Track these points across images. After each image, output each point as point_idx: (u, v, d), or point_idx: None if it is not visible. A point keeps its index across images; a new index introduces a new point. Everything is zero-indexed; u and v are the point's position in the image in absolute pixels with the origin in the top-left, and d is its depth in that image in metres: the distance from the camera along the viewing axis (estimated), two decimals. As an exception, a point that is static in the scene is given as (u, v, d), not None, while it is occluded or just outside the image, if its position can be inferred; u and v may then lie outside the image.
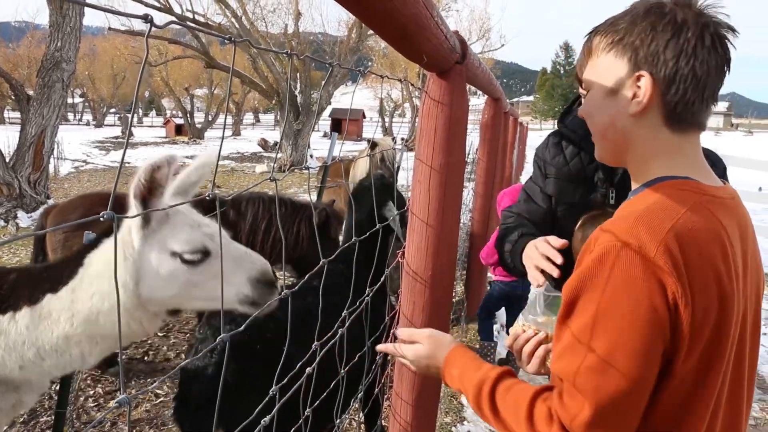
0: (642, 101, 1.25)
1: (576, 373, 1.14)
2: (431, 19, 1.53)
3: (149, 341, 5.67)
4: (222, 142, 1.23)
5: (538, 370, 1.64)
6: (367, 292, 1.94)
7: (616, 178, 2.28)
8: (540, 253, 1.89)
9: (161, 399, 4.59)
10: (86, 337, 1.81)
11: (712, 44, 1.22)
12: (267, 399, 1.27)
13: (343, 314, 1.74)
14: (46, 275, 1.88)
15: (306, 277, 1.69)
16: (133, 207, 1.65)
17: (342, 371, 1.81)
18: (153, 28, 0.81)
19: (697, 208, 1.20)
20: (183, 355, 5.34)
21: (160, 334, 5.85)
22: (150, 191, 1.62)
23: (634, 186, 1.36)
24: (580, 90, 2.06)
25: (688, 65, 1.21)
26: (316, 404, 1.59)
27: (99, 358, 1.89)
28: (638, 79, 1.25)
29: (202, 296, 1.81)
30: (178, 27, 22.47)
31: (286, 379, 1.37)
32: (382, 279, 2.14)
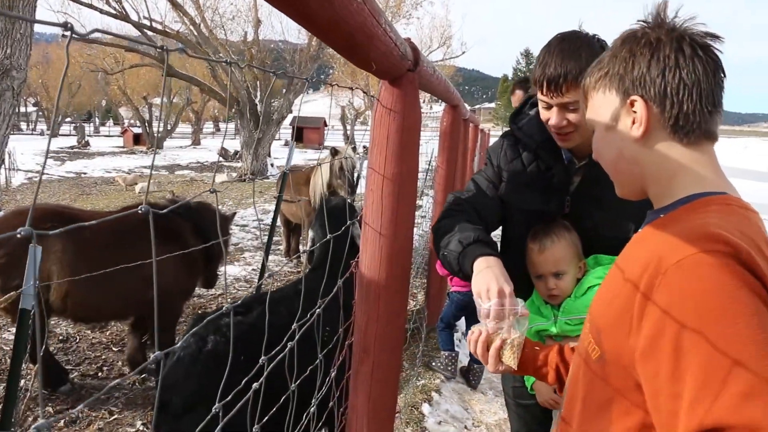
0: (641, 123, 1.27)
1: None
2: (379, 27, 1.50)
3: (103, 357, 5.54)
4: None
5: (496, 367, 1.69)
6: (318, 303, 1.90)
7: (572, 187, 2.23)
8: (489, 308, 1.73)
9: (115, 417, 4.47)
10: None
11: (693, 52, 1.23)
12: (209, 417, 1.22)
13: (292, 327, 1.70)
14: None
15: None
16: None
17: (292, 386, 1.77)
18: (73, 37, 0.77)
19: (747, 222, 1.16)
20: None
21: (114, 348, 5.72)
22: None
23: (657, 206, 1.33)
24: (550, 125, 2.12)
25: (675, 77, 1.23)
26: (264, 421, 1.54)
27: None
28: (632, 105, 1.28)
29: None
30: (135, 34, 22.16)
31: (230, 396, 1.32)
32: (334, 290, 2.11)
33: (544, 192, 2.27)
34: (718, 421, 0.95)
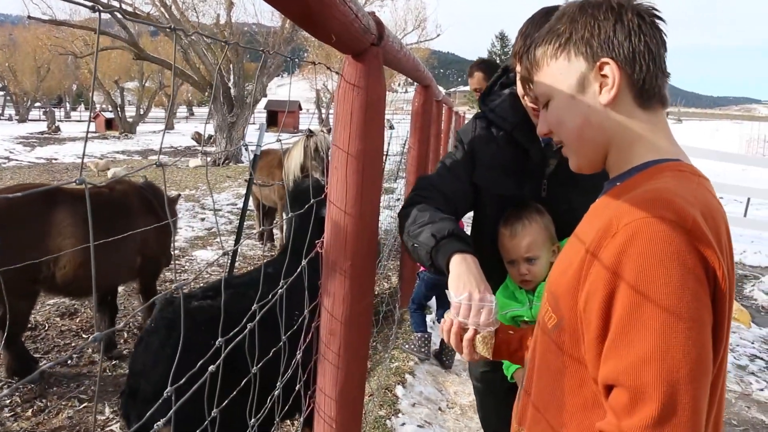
0: (612, 87, 1.25)
1: (631, 371, 1.04)
2: (335, -5, 1.45)
3: (72, 344, 5.46)
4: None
5: (471, 356, 1.68)
6: (281, 284, 1.85)
7: (548, 170, 2.17)
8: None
9: (85, 404, 4.41)
10: None
11: (652, 22, 1.26)
12: (162, 400, 1.17)
13: (253, 308, 1.65)
14: None
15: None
16: None
17: (254, 368, 1.72)
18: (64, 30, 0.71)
19: (701, 188, 1.18)
20: (106, 358, 5.14)
21: (85, 336, 5.63)
22: None
23: (613, 174, 1.34)
24: (527, 102, 2.10)
25: (640, 42, 1.24)
26: (224, 404, 1.49)
27: None
28: (601, 68, 1.26)
29: None
30: (106, 17, 21.82)
31: (183, 380, 1.27)
32: (298, 270, 2.06)
33: (520, 176, 2.19)
34: (614, 379, 1.07)
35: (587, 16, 1.28)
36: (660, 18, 1.28)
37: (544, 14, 1.96)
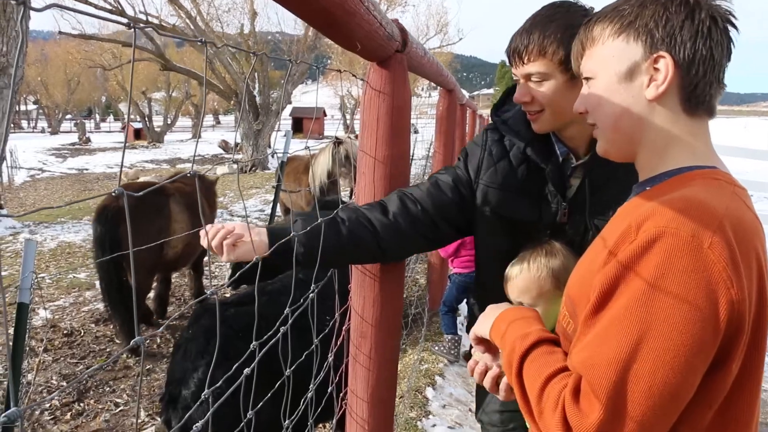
0: (662, 84, 1.19)
1: (594, 367, 1.03)
2: (360, 5, 1.48)
3: (108, 349, 5.56)
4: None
5: (509, 396, 1.54)
6: (312, 288, 1.89)
7: (569, 191, 1.88)
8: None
9: (121, 408, 4.49)
10: None
11: (724, 28, 1.20)
12: (200, 402, 1.21)
13: (285, 311, 1.70)
14: None
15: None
16: None
17: (287, 371, 1.76)
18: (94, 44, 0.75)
19: (735, 200, 1.13)
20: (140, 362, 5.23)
21: (118, 341, 5.73)
22: None
23: (644, 177, 1.28)
24: (519, 97, 1.83)
25: (705, 46, 1.17)
26: (259, 406, 1.53)
27: None
28: (656, 60, 1.19)
29: None
30: (131, 31, 22.11)
31: (220, 382, 1.31)
32: (328, 275, 2.10)
33: (536, 198, 1.92)
34: (578, 368, 1.07)
35: (658, 3, 1.20)
36: (734, 26, 1.21)
37: (540, 9, 1.83)
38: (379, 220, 1.97)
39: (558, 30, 1.68)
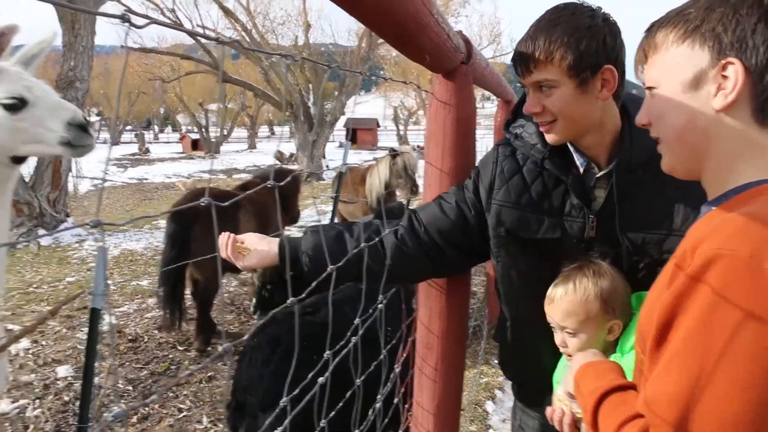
0: (730, 93, 1.08)
1: (656, 404, 0.97)
2: (431, 17, 1.50)
3: (171, 356, 5.69)
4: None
5: None
6: (379, 299, 1.91)
7: (595, 204, 1.75)
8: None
9: (184, 414, 4.59)
10: None
11: None
12: (278, 410, 1.24)
13: (355, 322, 1.71)
14: None
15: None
16: None
17: (358, 380, 1.78)
18: (154, 57, 0.79)
19: None
20: (204, 370, 5.34)
21: (180, 348, 5.86)
22: None
23: (711, 195, 1.18)
24: (529, 108, 1.71)
25: None
26: (331, 415, 1.55)
27: None
28: (725, 67, 1.09)
29: (29, 140, 2.21)
30: (190, 43, 22.70)
31: (297, 390, 1.34)
32: (396, 287, 2.11)
33: (556, 215, 1.79)
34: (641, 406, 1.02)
35: (727, 5, 1.10)
36: None
37: (544, 14, 1.70)
38: (389, 240, 1.95)
39: (564, 34, 1.58)
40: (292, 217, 7.53)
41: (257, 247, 1.93)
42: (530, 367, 1.99)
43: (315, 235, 1.95)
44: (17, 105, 2.12)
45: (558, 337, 1.70)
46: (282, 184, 1.19)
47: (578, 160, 1.76)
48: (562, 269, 1.70)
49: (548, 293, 1.70)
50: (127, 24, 0.70)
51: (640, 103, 1.63)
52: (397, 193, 7.54)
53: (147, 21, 0.78)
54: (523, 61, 1.67)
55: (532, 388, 2.05)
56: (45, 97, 2.18)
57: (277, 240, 1.96)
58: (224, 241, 1.94)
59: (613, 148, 1.71)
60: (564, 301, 1.65)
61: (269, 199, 6.50)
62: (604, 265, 1.67)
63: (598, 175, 1.74)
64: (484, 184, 1.91)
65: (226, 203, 1.10)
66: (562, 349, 1.70)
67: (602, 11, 1.65)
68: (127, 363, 5.48)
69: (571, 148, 1.76)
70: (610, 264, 1.68)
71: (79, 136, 2.21)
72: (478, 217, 1.92)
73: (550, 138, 1.72)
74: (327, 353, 1.46)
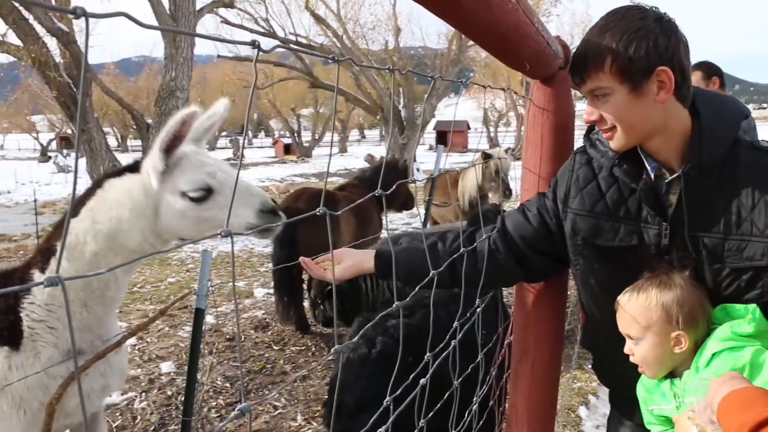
0: None
1: None
2: (531, 26, 1.52)
3: (266, 355, 5.86)
4: (330, 159, 1.27)
5: None
6: (476, 303, 1.93)
7: (669, 211, 1.68)
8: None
9: (279, 411, 4.73)
10: (109, 251, 2.13)
11: None
12: (381, 410, 1.28)
13: (454, 325, 1.75)
14: (70, 207, 2.16)
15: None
16: (156, 157, 1.98)
17: (455, 382, 1.81)
18: (260, 53, 0.85)
19: None
20: (298, 369, 5.48)
21: (275, 347, 6.03)
22: (173, 143, 1.93)
23: None
24: (588, 116, 1.70)
25: None
26: (430, 416, 1.59)
27: (128, 273, 2.32)
28: None
29: (213, 227, 2.13)
30: (282, 50, 23.29)
31: (400, 390, 1.38)
32: (492, 292, 2.13)
33: (632, 222, 1.75)
34: None
35: None
36: None
37: (599, 20, 1.65)
38: (483, 246, 1.96)
39: (612, 39, 1.55)
40: (401, 204, 7.55)
41: (351, 260, 2.02)
42: (617, 374, 1.95)
43: (411, 246, 2.01)
44: (204, 196, 2.06)
45: (627, 345, 1.67)
46: (387, 192, 1.24)
47: (648, 165, 1.71)
48: (640, 278, 1.67)
49: (617, 299, 1.69)
50: (256, 49, 0.76)
51: (712, 101, 1.58)
52: (490, 196, 7.51)
53: (274, 45, 0.84)
54: (576, 71, 1.66)
55: (623, 396, 2.01)
56: (229, 182, 2.10)
57: (373, 252, 2.03)
58: (306, 264, 2.03)
59: (685, 150, 1.64)
60: (627, 307, 1.64)
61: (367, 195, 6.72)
62: (677, 276, 1.62)
63: (667, 180, 1.69)
64: (560, 192, 1.90)
65: (338, 212, 1.15)
66: (631, 358, 1.66)
67: (655, 10, 1.60)
68: (225, 361, 5.69)
69: (642, 154, 1.72)
70: (689, 275, 1.63)
71: (269, 220, 2.12)
72: (558, 225, 1.91)
73: (613, 144, 1.69)
74: (428, 355, 1.50)
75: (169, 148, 1.96)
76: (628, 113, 1.60)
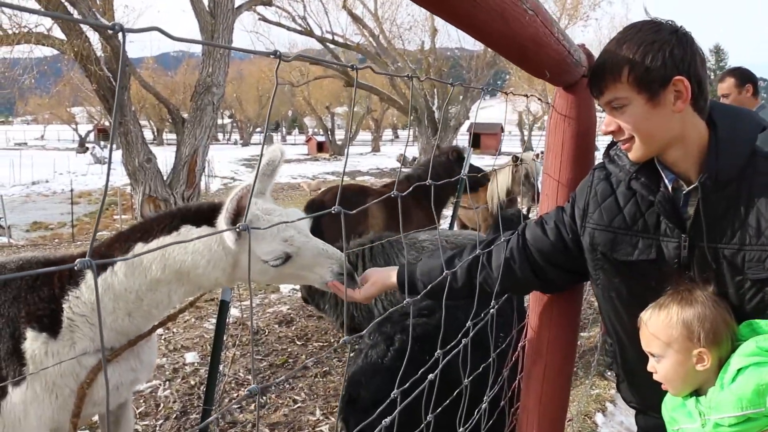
0: None
1: None
2: (551, 36, 1.56)
3: (288, 349, 5.95)
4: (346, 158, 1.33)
5: None
6: (491, 304, 1.98)
7: (687, 223, 1.67)
8: None
9: (298, 405, 4.80)
10: (175, 281, 2.24)
11: None
12: (388, 401, 1.33)
13: (467, 325, 1.79)
14: (138, 228, 2.32)
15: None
16: (226, 234, 2.03)
17: (465, 381, 1.85)
18: (282, 63, 0.91)
19: None
20: (319, 363, 5.55)
21: (299, 342, 6.11)
22: (238, 213, 1.98)
23: None
24: (605, 128, 1.73)
25: None
26: (438, 411, 1.64)
27: (182, 299, 2.36)
28: None
29: (291, 281, 2.37)
30: (319, 48, 23.43)
31: (408, 384, 1.43)
32: (506, 294, 2.17)
33: (651, 236, 1.75)
34: None
35: None
36: None
37: (622, 31, 1.68)
38: (500, 256, 2.00)
39: (629, 51, 1.58)
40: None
41: (375, 277, 2.18)
42: (643, 395, 1.96)
43: (429, 260, 2.11)
44: (283, 262, 2.10)
45: (650, 362, 1.67)
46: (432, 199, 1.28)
47: (666, 177, 1.72)
48: (663, 294, 1.67)
49: (640, 316, 1.69)
50: (278, 59, 0.81)
51: (730, 113, 1.60)
52: (518, 200, 7.51)
53: (294, 55, 0.90)
54: (594, 83, 1.69)
55: (648, 418, 2.01)
56: (308, 245, 2.14)
57: (396, 268, 2.16)
58: (336, 287, 2.16)
59: (702, 161, 1.64)
60: (649, 324, 1.63)
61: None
62: (699, 291, 1.61)
63: (684, 191, 1.69)
64: (579, 207, 1.91)
65: (354, 211, 1.20)
66: (654, 376, 1.66)
67: (671, 24, 1.63)
68: (248, 354, 5.78)
69: (659, 166, 1.73)
70: (711, 290, 1.62)
71: (348, 281, 2.11)
72: (575, 240, 1.93)
73: (631, 155, 1.71)
74: (438, 352, 1.55)
75: (235, 221, 2.00)
76: (645, 123, 1.61)
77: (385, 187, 7.29)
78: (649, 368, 1.66)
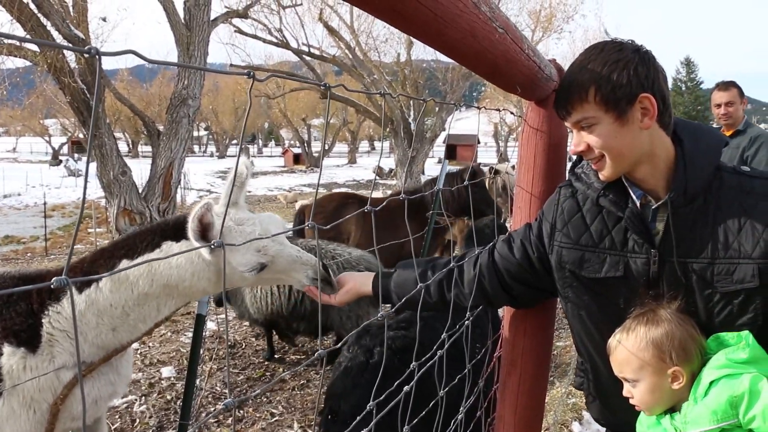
0: None
1: None
2: (521, 53, 1.59)
3: (266, 363, 5.92)
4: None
5: None
6: (467, 315, 2.00)
7: (656, 239, 1.69)
8: None
9: (276, 418, 4.78)
10: (164, 294, 2.27)
11: None
12: (364, 413, 1.35)
13: (442, 336, 1.81)
14: (121, 244, 2.31)
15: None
16: (198, 250, 2.07)
17: (441, 392, 1.87)
18: (273, 76, 0.92)
19: None
20: (297, 376, 5.53)
21: (276, 355, 6.09)
22: (205, 229, 2.00)
23: None
24: (575, 148, 1.72)
25: None
26: (414, 422, 1.65)
27: (172, 310, 2.37)
28: None
29: (274, 282, 2.41)
30: (295, 60, 23.43)
31: (383, 396, 1.45)
32: (481, 305, 2.19)
33: (617, 253, 1.76)
34: None
35: None
36: None
37: (584, 53, 1.69)
38: (470, 272, 2.03)
39: (594, 71, 1.60)
40: (472, 211, 7.80)
41: (350, 284, 2.19)
42: (617, 416, 1.96)
43: (404, 272, 2.11)
44: (260, 270, 2.15)
45: (625, 388, 1.67)
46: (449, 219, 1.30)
47: (634, 193, 1.74)
48: (628, 315, 1.68)
49: (608, 344, 1.69)
50: (251, 79, 0.83)
51: (694, 129, 1.65)
52: (501, 211, 7.57)
53: (268, 75, 0.91)
54: (561, 104, 1.70)
55: None
56: (283, 252, 2.18)
57: (371, 275, 2.18)
58: (312, 291, 2.21)
59: (670, 177, 1.67)
60: (618, 350, 1.64)
61: (396, 205, 6.75)
62: (662, 311, 1.62)
63: (654, 207, 1.71)
64: (546, 226, 1.92)
65: (328, 226, 1.22)
66: (630, 401, 1.66)
67: (632, 43, 1.67)
68: (225, 368, 5.75)
69: (626, 183, 1.75)
70: (678, 306, 1.64)
71: (324, 285, 2.18)
72: (540, 258, 1.94)
73: (602, 174, 1.72)
74: (413, 364, 1.57)
75: (204, 235, 2.02)
76: (615, 141, 1.63)
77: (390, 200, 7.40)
78: (625, 393, 1.66)
